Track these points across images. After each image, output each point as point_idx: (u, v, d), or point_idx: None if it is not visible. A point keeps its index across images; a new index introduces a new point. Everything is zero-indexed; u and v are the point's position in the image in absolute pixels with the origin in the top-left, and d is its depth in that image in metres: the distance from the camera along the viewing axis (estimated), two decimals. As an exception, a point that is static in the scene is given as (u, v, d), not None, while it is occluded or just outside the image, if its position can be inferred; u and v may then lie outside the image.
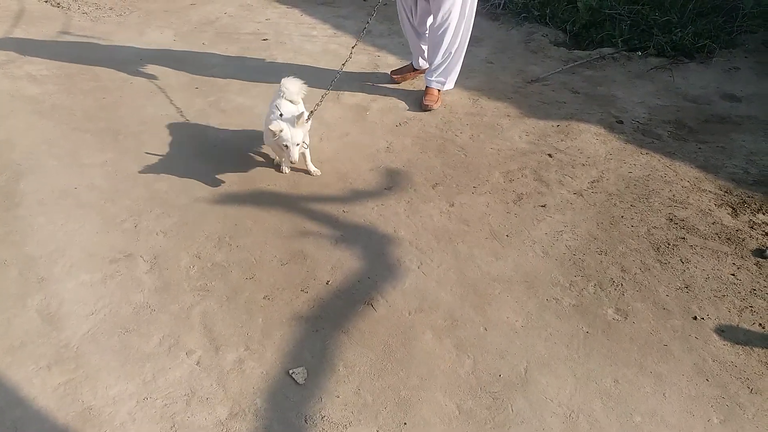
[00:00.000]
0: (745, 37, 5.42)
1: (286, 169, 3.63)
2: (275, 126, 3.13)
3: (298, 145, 3.22)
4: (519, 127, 4.21)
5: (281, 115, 3.27)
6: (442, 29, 4.14)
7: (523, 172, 3.68)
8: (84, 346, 2.45)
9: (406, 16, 4.41)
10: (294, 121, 3.19)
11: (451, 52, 4.27)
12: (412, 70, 4.80)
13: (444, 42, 4.20)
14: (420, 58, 4.69)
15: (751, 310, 2.68)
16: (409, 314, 2.67)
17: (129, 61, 5.20)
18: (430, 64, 4.41)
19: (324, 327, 2.60)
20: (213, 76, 4.95)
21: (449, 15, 4.06)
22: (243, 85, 4.82)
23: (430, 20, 4.28)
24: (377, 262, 2.97)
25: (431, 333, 2.57)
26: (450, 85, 4.48)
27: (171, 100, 4.51)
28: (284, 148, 3.22)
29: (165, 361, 2.41)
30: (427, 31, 4.38)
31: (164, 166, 3.67)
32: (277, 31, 6.05)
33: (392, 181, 3.59)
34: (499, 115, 4.39)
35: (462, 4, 4.06)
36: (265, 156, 3.79)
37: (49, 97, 4.49)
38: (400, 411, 2.24)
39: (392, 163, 3.76)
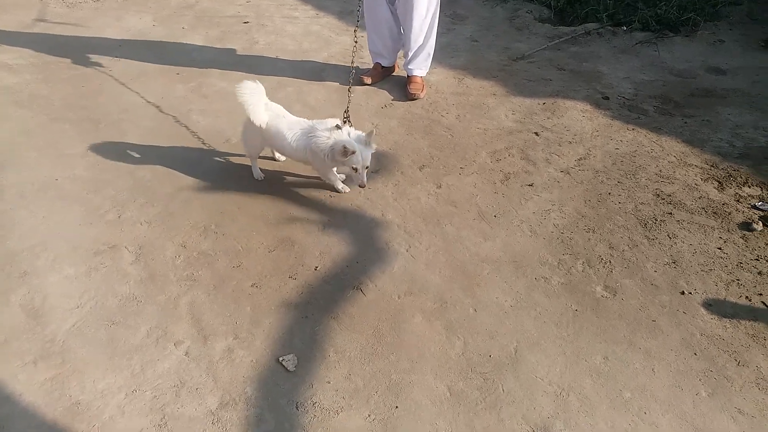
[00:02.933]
0: (730, 9, 5.41)
1: (345, 187, 3.30)
2: (350, 146, 2.84)
3: (367, 168, 2.98)
4: (505, 105, 4.18)
5: (338, 126, 2.94)
6: (420, 14, 4.06)
7: (510, 152, 3.66)
8: (70, 340, 2.42)
9: (387, 5, 4.22)
10: (366, 140, 2.92)
11: (429, 36, 4.20)
12: (381, 69, 4.56)
13: (424, 26, 4.12)
14: (388, 55, 4.49)
15: (738, 283, 2.70)
16: (399, 298, 2.66)
17: (107, 47, 5.10)
18: (409, 52, 4.28)
19: (313, 313, 2.58)
20: (194, 61, 4.87)
21: None
22: (225, 69, 4.75)
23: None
24: (365, 246, 2.95)
25: (421, 316, 2.57)
26: (427, 68, 4.41)
27: (152, 87, 4.43)
28: (352, 171, 2.99)
29: (153, 352, 2.39)
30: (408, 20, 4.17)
31: (147, 154, 3.62)
32: (258, 14, 5.95)
33: (379, 164, 3.56)
34: (484, 94, 4.35)
35: None
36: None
37: (26, 87, 4.40)
38: (391, 395, 2.24)
39: (378, 146, 3.72)
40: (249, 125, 3.19)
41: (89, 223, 3.07)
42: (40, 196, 3.25)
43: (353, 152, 2.87)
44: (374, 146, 3.00)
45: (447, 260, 2.86)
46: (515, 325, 2.52)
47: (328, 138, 2.96)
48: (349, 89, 3.47)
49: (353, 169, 2.96)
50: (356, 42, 3.75)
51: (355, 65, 3.67)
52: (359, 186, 3.04)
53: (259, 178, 3.40)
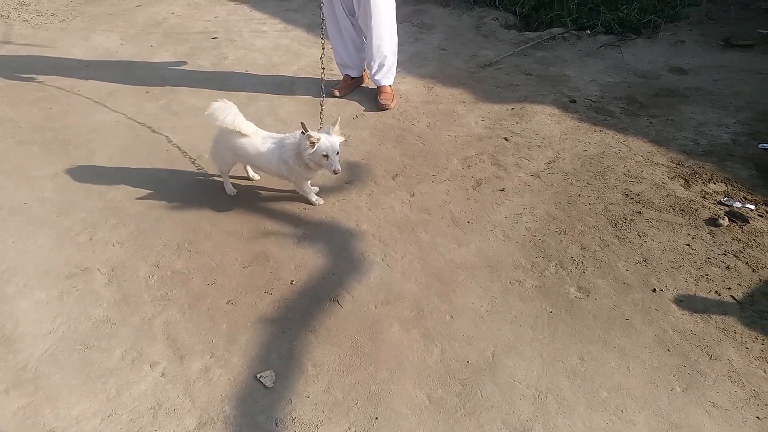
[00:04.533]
0: (689, 10, 5.55)
1: (319, 200, 3.30)
2: (313, 136, 2.88)
3: (338, 153, 2.97)
4: (474, 112, 4.23)
5: (303, 132, 2.96)
6: (379, 22, 4.08)
7: (481, 158, 3.70)
8: (42, 366, 2.38)
9: (347, 17, 4.27)
10: (328, 130, 2.97)
11: (390, 44, 4.23)
12: (350, 80, 4.58)
13: (384, 35, 4.14)
14: (355, 66, 4.52)
15: (707, 278, 2.75)
16: (376, 308, 2.67)
17: (75, 68, 5.05)
18: (372, 62, 4.29)
19: (290, 328, 2.57)
20: (163, 79, 4.85)
21: (382, 7, 4.02)
22: (194, 85, 4.72)
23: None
24: (341, 257, 2.96)
25: (398, 325, 2.57)
26: (393, 76, 4.44)
27: (121, 106, 4.39)
28: (324, 160, 2.95)
29: (129, 375, 2.36)
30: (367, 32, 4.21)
31: (117, 174, 3.58)
32: (226, 29, 5.94)
33: (352, 175, 3.57)
34: (454, 101, 4.40)
35: None
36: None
37: (-9, 111, 4.33)
38: (371, 406, 2.24)
39: (351, 157, 3.74)
40: (220, 141, 3.18)
41: (60, 246, 3.03)
42: (8, 221, 3.20)
43: (318, 139, 2.88)
44: (340, 136, 3.00)
45: (422, 268, 2.88)
46: (492, 330, 2.54)
47: (294, 141, 3.02)
48: (321, 103, 3.49)
49: (324, 157, 2.93)
50: (323, 53, 3.78)
51: (324, 78, 3.69)
52: (333, 173, 3.00)
53: (232, 194, 3.39)
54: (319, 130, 3.09)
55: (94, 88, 4.68)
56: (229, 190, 3.38)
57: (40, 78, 4.83)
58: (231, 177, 3.42)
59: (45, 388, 2.29)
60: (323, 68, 3.77)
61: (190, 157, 3.75)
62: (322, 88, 3.61)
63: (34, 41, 5.66)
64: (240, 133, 3.09)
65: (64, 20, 6.26)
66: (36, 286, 2.77)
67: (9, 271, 2.86)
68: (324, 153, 2.92)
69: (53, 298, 2.71)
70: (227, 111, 3.03)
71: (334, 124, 2.99)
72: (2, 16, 6.35)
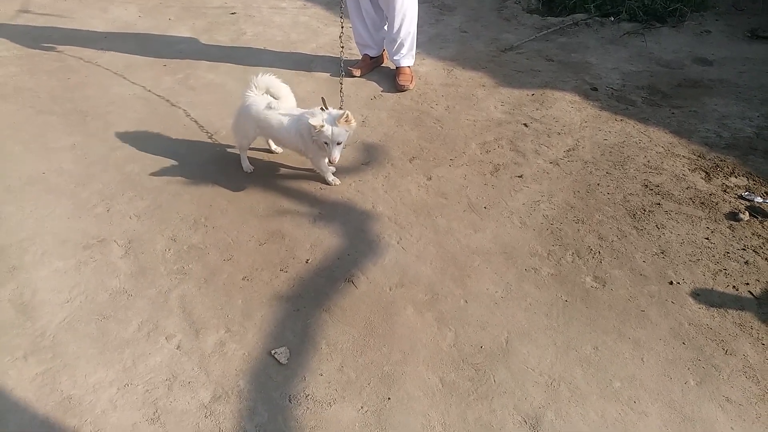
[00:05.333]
0: (716, -1, 5.43)
1: (335, 180, 3.32)
2: (316, 120, 2.88)
3: (339, 144, 2.98)
4: (494, 97, 4.19)
5: (323, 109, 3.02)
6: (401, 3, 4.04)
7: (500, 143, 3.67)
8: (60, 334, 2.41)
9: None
10: (334, 120, 2.93)
11: (411, 24, 4.19)
12: (369, 60, 4.56)
13: (407, 15, 4.10)
14: (375, 45, 4.49)
15: (725, 273, 2.73)
16: (390, 290, 2.67)
17: (93, 39, 5.04)
18: (394, 43, 4.27)
19: (305, 306, 2.58)
20: (181, 53, 4.83)
21: None
22: (212, 61, 4.71)
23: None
24: (356, 238, 2.96)
25: (412, 308, 2.58)
26: (413, 57, 4.41)
27: (138, 79, 4.39)
28: (324, 147, 2.99)
29: (144, 346, 2.38)
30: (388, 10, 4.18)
31: (135, 147, 3.59)
32: (245, 4, 5.90)
33: (369, 156, 3.55)
34: (473, 85, 4.35)
35: None
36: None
37: (11, 79, 4.34)
38: (383, 386, 2.25)
39: (368, 138, 3.72)
40: (243, 113, 3.20)
41: (78, 216, 3.05)
42: (26, 190, 3.22)
43: (321, 126, 2.90)
44: (346, 127, 2.97)
45: (438, 252, 2.87)
46: (506, 316, 2.54)
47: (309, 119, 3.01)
48: (341, 81, 3.47)
49: (324, 144, 2.97)
50: (342, 32, 3.74)
51: (343, 56, 3.66)
52: (329, 161, 3.02)
53: (249, 170, 3.39)
54: (340, 108, 3.09)
55: (112, 60, 4.67)
56: (246, 166, 3.38)
57: (59, 48, 4.83)
58: (251, 150, 3.43)
59: (63, 356, 2.32)
60: (342, 47, 3.73)
61: (208, 132, 3.74)
62: (341, 66, 3.58)
63: (53, 11, 5.65)
64: (267, 103, 3.14)
65: (83, -10, 6.23)
66: (54, 256, 2.80)
67: (27, 240, 2.88)
68: (324, 141, 2.95)
69: (71, 268, 2.73)
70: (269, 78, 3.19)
71: (340, 117, 2.93)
72: (21, -16, 6.33)
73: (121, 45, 4.93)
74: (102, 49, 4.85)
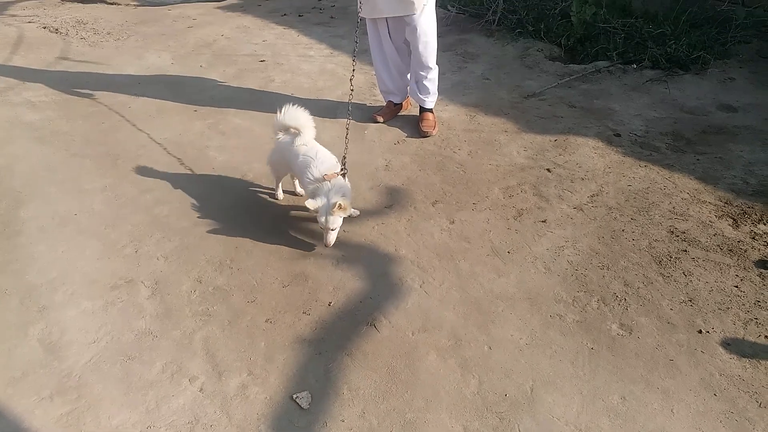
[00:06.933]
0: (740, 47, 5.46)
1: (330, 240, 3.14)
2: (312, 204, 2.94)
3: (334, 230, 3.03)
4: (517, 142, 4.22)
5: (342, 171, 3.11)
6: (425, 47, 4.13)
7: (523, 188, 3.68)
8: (86, 375, 2.43)
9: (391, 43, 4.31)
10: (329, 209, 2.92)
11: (435, 69, 4.29)
12: (393, 106, 4.64)
13: (429, 59, 4.19)
14: (398, 92, 4.57)
15: (756, 322, 2.67)
16: (413, 334, 2.65)
17: (127, 85, 5.23)
18: (418, 87, 4.35)
19: (327, 349, 2.58)
20: (211, 99, 4.98)
21: (427, 30, 4.07)
22: (241, 106, 4.84)
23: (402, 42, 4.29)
24: (379, 281, 2.96)
25: (435, 353, 2.55)
26: (435, 99, 4.48)
27: (170, 123, 4.53)
28: (320, 226, 3.04)
29: (168, 388, 2.39)
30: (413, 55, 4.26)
31: (164, 189, 3.68)
32: (274, 52, 6.09)
33: (392, 200, 3.59)
34: (496, 130, 4.40)
35: (432, 17, 4.10)
36: (267, 178, 3.77)
37: (48, 123, 4.51)
38: (406, 434, 2.22)
39: (391, 182, 3.77)
40: (280, 148, 3.31)
41: (107, 257, 3.11)
42: (59, 231, 3.30)
43: (316, 211, 2.97)
44: (340, 213, 2.96)
45: (461, 296, 2.86)
46: (531, 364, 2.50)
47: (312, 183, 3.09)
48: (346, 136, 3.39)
49: (321, 227, 3.04)
50: (354, 71, 3.69)
51: (351, 99, 3.69)
52: (325, 245, 3.07)
53: (280, 198, 3.55)
54: (344, 150, 3.25)
55: (144, 105, 4.83)
56: (279, 195, 3.56)
57: (95, 93, 5.02)
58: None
59: (87, 397, 2.34)
60: (352, 89, 3.74)
61: (235, 177, 3.82)
62: (348, 111, 3.57)
63: (90, 58, 5.89)
64: (296, 139, 3.22)
65: (119, 39, 6.51)
66: (83, 296, 2.85)
67: (58, 279, 2.95)
68: (320, 226, 3.03)
69: (99, 309, 2.78)
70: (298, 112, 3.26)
71: (333, 206, 2.90)
72: (61, 33, 6.64)
73: (153, 91, 5.10)
74: (135, 94, 5.02)
